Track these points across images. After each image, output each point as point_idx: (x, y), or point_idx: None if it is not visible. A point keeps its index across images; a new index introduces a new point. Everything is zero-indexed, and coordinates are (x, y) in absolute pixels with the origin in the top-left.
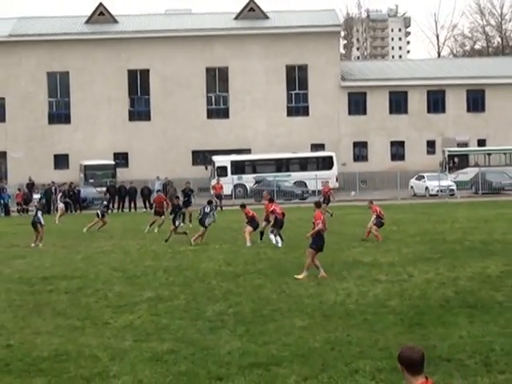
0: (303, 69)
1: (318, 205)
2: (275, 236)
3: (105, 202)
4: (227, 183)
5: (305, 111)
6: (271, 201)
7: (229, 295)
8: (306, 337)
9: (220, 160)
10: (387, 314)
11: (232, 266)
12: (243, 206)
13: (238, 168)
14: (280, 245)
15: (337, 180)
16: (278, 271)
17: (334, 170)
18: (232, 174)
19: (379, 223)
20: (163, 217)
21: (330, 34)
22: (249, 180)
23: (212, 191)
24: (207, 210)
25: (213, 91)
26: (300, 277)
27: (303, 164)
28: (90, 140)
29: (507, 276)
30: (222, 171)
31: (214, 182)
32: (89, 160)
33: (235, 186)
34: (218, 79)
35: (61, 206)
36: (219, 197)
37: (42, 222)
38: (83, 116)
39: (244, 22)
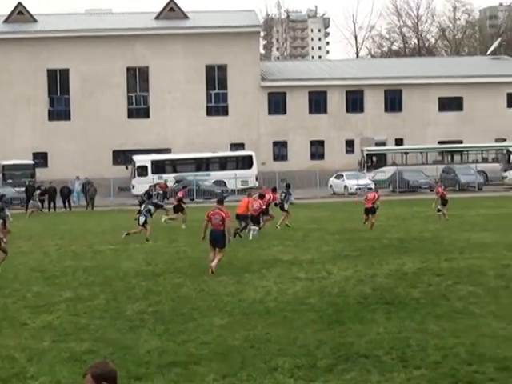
0: (223, 69)
1: (220, 201)
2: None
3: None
4: (147, 183)
5: (224, 111)
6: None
7: (149, 294)
8: (225, 335)
9: (140, 159)
10: (306, 312)
11: (152, 265)
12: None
13: (159, 167)
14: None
15: (256, 179)
16: (197, 270)
17: (254, 170)
18: (152, 173)
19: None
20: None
21: (249, 35)
22: (169, 179)
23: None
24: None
25: (133, 91)
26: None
27: (223, 163)
28: (8, 140)
29: (423, 273)
30: (142, 171)
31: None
32: (7, 160)
33: None
34: (138, 79)
35: None
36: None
37: None
38: (1, 116)
39: (164, 22)
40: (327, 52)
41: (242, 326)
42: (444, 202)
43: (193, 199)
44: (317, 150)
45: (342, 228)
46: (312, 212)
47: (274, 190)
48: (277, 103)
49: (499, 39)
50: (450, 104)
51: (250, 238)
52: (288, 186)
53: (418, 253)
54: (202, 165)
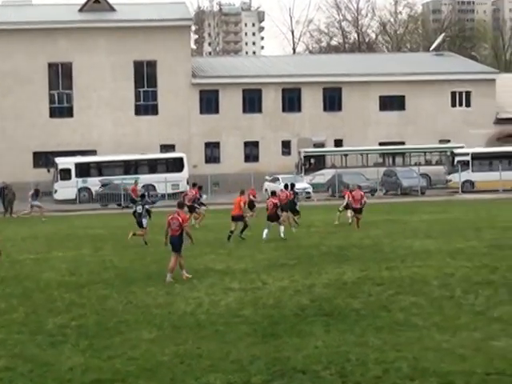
0: (152, 65)
1: (180, 206)
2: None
3: None
4: (71, 187)
5: (154, 110)
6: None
7: (72, 307)
8: (153, 350)
9: (63, 162)
10: (240, 324)
11: (76, 275)
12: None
13: (83, 170)
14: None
15: (187, 183)
16: (124, 281)
17: (185, 173)
18: (76, 176)
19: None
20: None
21: (180, 29)
22: (94, 183)
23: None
24: (139, 210)
25: (56, 88)
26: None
27: (152, 166)
28: None
29: (363, 282)
30: (65, 174)
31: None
32: None
33: (79, 190)
34: (61, 75)
35: None
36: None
37: None
38: None
39: (89, 15)
40: (262, 47)
41: (171, 341)
42: (355, 209)
43: (120, 204)
44: (251, 151)
45: (277, 235)
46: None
47: (287, 188)
48: (209, 102)
49: (443, 34)
50: (392, 103)
51: (282, 235)
52: (292, 186)
53: (357, 261)
54: (130, 168)
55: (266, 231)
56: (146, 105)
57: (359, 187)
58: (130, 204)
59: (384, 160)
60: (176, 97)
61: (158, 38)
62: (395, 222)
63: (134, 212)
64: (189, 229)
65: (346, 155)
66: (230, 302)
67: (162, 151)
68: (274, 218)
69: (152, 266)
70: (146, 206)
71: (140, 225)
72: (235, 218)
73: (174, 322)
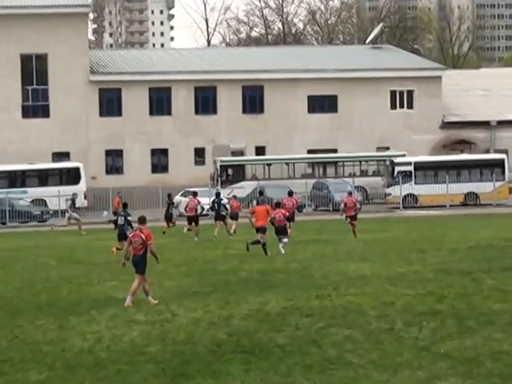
0: (42, 59)
1: (142, 221)
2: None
3: None
4: None
5: (45, 111)
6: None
7: None
8: None
9: None
10: (145, 363)
11: None
12: None
13: None
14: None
15: (85, 197)
16: (9, 312)
17: (82, 185)
18: None
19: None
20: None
21: (75, 16)
22: None
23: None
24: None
25: None
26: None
27: (43, 178)
28: None
29: (289, 313)
30: None
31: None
32: None
33: None
34: None
35: None
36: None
37: None
38: None
39: None
40: (171, 39)
41: (65, 382)
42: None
43: (4, 223)
44: (159, 160)
45: (190, 258)
46: (153, 237)
47: (291, 194)
48: (110, 102)
49: (381, 24)
50: (322, 104)
51: (283, 251)
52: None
53: (283, 288)
54: (17, 179)
55: (280, 245)
56: (36, 106)
57: (350, 194)
58: (112, 218)
59: (313, 170)
60: (71, 96)
61: (49, 28)
62: (326, 242)
63: (115, 223)
64: (154, 247)
65: (269, 165)
66: (134, 337)
67: (54, 160)
68: (283, 230)
69: (42, 295)
70: (128, 218)
71: (120, 238)
72: (261, 230)
73: (68, 360)
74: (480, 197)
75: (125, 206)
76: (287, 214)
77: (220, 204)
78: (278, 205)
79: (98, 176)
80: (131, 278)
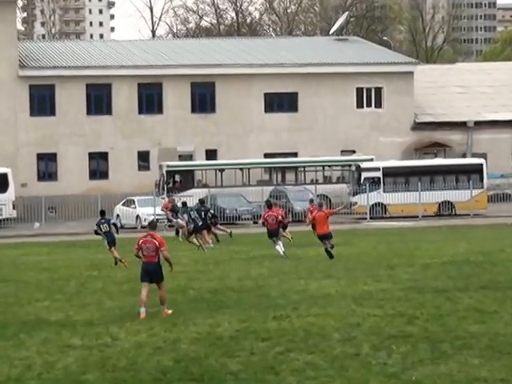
0: None
1: (152, 226)
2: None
3: None
4: None
5: None
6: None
7: None
8: None
9: None
10: None
11: None
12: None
13: None
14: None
15: (14, 207)
16: None
17: (10, 193)
18: None
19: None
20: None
21: (1, 4)
22: None
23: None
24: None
25: None
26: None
27: None
28: None
29: (244, 336)
30: None
31: None
32: None
33: None
34: None
35: None
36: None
37: None
38: None
39: None
40: (112, 29)
41: None
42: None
43: None
44: (98, 165)
45: (134, 275)
46: (90, 254)
47: (270, 207)
48: (42, 100)
49: (346, 14)
50: (281, 102)
51: (282, 253)
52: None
53: (236, 309)
54: None
55: (277, 247)
56: None
57: (311, 201)
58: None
59: (271, 177)
60: None
61: None
62: (285, 257)
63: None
64: (167, 253)
65: (221, 170)
66: (69, 364)
67: None
68: (276, 233)
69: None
70: (112, 221)
71: (111, 244)
72: (326, 236)
73: None
74: (456, 206)
75: (102, 213)
76: (279, 217)
77: (207, 212)
78: (270, 206)
79: (28, 183)
80: (64, 297)
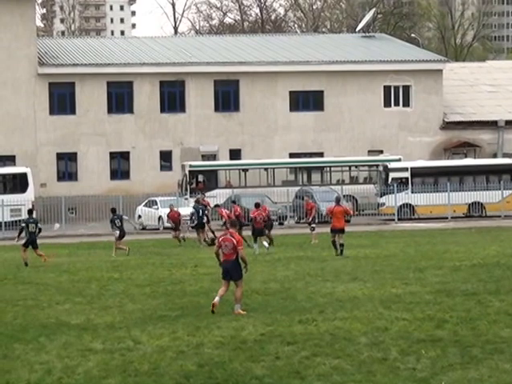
0: None
1: (233, 224)
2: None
3: None
4: None
5: None
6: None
7: None
8: None
9: None
10: None
11: None
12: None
13: None
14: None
15: (33, 208)
16: None
17: (29, 193)
18: None
19: None
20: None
21: (20, 0)
22: None
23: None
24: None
25: None
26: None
27: None
28: None
29: (269, 340)
30: None
31: None
32: None
33: None
34: None
35: None
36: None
37: None
38: None
39: None
40: (133, 26)
41: None
42: None
43: None
44: (119, 165)
45: (156, 277)
46: (112, 254)
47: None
48: (62, 98)
49: (373, 10)
50: (307, 101)
51: (266, 250)
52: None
53: (261, 312)
54: None
55: (256, 246)
56: None
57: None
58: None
59: (296, 177)
60: (16, 92)
61: None
62: (311, 259)
63: (21, 231)
64: (244, 253)
65: (245, 171)
66: (90, 368)
67: None
68: (261, 232)
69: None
70: (39, 225)
71: (34, 244)
72: (341, 231)
73: None
74: (486, 207)
75: (113, 210)
76: (267, 217)
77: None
78: (258, 206)
79: (48, 183)
80: (85, 300)
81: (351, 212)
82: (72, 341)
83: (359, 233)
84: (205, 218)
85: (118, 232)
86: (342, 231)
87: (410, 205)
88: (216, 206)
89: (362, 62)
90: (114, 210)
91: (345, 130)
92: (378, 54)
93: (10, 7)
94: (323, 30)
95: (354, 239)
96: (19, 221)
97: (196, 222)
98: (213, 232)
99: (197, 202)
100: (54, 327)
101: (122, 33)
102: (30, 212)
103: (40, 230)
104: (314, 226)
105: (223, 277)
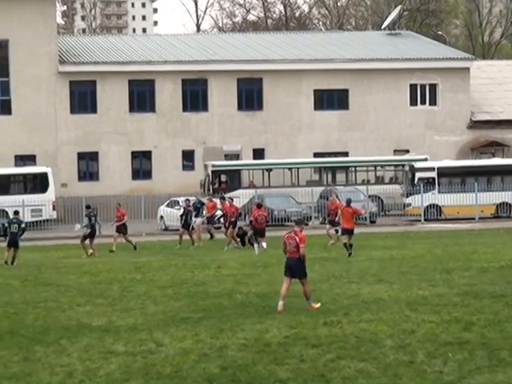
0: (3, 46)
1: (299, 223)
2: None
3: None
4: None
5: (6, 108)
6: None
7: None
8: None
9: None
10: None
11: None
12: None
13: None
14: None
15: (54, 208)
16: None
17: (50, 194)
18: None
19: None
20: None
21: None
22: None
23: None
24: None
25: None
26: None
27: (4, 185)
28: None
29: (293, 343)
30: None
31: None
32: None
33: None
34: None
35: None
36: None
37: None
38: None
39: None
40: (155, 23)
41: None
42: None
43: None
44: (141, 165)
45: (178, 279)
46: (133, 256)
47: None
48: (83, 97)
49: (399, 7)
50: (331, 100)
51: (256, 252)
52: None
53: (285, 314)
54: None
55: (256, 246)
56: None
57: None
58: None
59: (320, 177)
60: (37, 90)
61: (10, 10)
62: (336, 260)
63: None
64: (305, 250)
65: (269, 170)
66: (111, 371)
67: (17, 164)
68: (263, 232)
69: (4, 322)
70: (22, 225)
71: (15, 245)
72: (352, 232)
73: None
74: None
75: (16, 212)
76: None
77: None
78: (260, 206)
79: (68, 183)
80: (107, 301)
81: (362, 212)
82: (93, 343)
83: (385, 234)
84: (193, 220)
85: (89, 230)
86: (351, 232)
87: (437, 205)
88: (222, 198)
89: (388, 59)
90: (88, 207)
91: (370, 129)
92: (404, 52)
93: (30, 4)
94: (348, 27)
95: (379, 240)
96: (40, 221)
97: (183, 223)
98: (211, 233)
99: (199, 202)
100: (75, 329)
101: (144, 30)
102: (15, 212)
103: (23, 231)
104: (337, 228)
105: (284, 273)
